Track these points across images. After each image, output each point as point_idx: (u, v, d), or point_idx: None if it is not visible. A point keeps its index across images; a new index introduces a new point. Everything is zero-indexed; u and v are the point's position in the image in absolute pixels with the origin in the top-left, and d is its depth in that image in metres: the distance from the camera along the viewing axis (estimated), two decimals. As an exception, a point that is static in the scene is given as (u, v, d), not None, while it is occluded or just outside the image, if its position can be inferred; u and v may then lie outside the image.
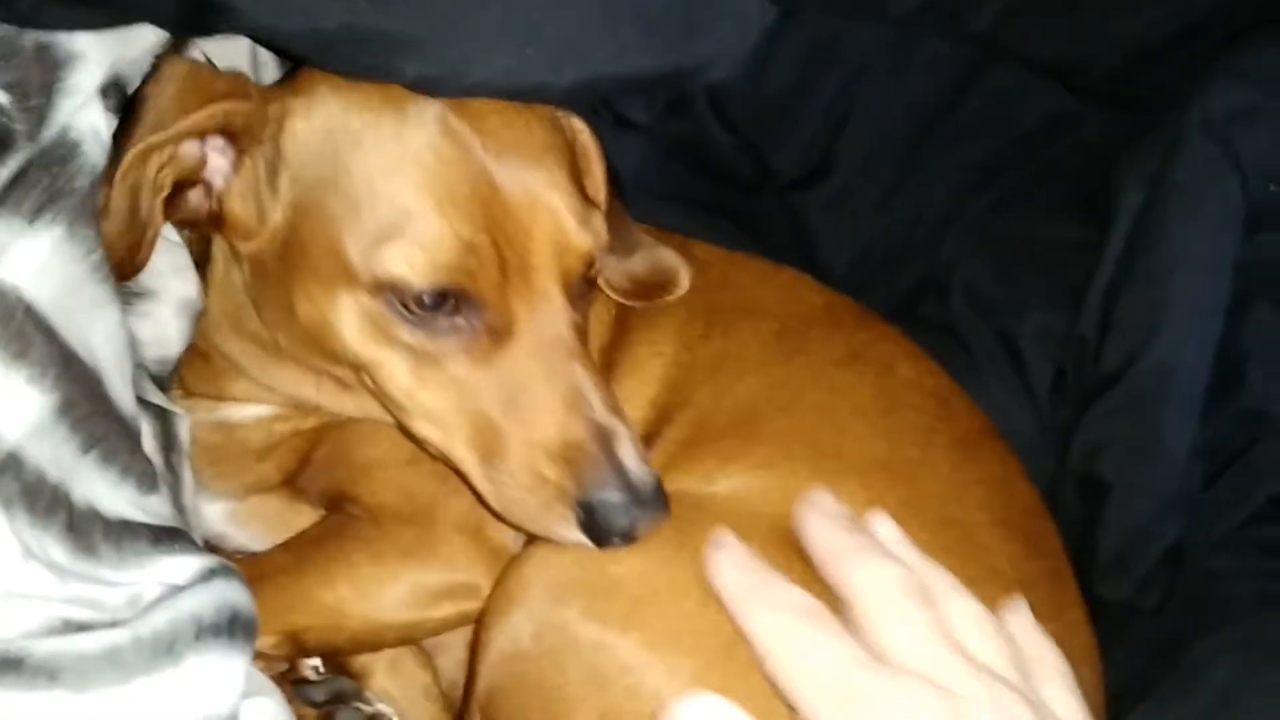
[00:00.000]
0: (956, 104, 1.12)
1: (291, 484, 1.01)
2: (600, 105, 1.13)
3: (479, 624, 0.89)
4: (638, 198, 1.09)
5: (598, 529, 0.82)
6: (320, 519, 1.01)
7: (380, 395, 0.89)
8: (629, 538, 0.82)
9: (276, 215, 0.86)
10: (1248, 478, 0.97)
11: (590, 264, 0.87)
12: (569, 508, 0.83)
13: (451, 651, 1.02)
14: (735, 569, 0.80)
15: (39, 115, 0.76)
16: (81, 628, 0.72)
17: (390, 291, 0.83)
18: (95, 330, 0.79)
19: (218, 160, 0.87)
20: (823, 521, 0.82)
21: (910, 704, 0.71)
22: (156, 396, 0.95)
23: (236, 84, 0.85)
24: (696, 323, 1.02)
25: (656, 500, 0.82)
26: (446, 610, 0.94)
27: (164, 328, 0.97)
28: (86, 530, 0.74)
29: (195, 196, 0.88)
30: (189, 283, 0.96)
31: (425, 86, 0.86)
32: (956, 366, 1.03)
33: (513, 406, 0.84)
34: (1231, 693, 0.83)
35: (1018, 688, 0.74)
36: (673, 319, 1.02)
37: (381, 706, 0.96)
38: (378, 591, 0.93)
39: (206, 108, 0.82)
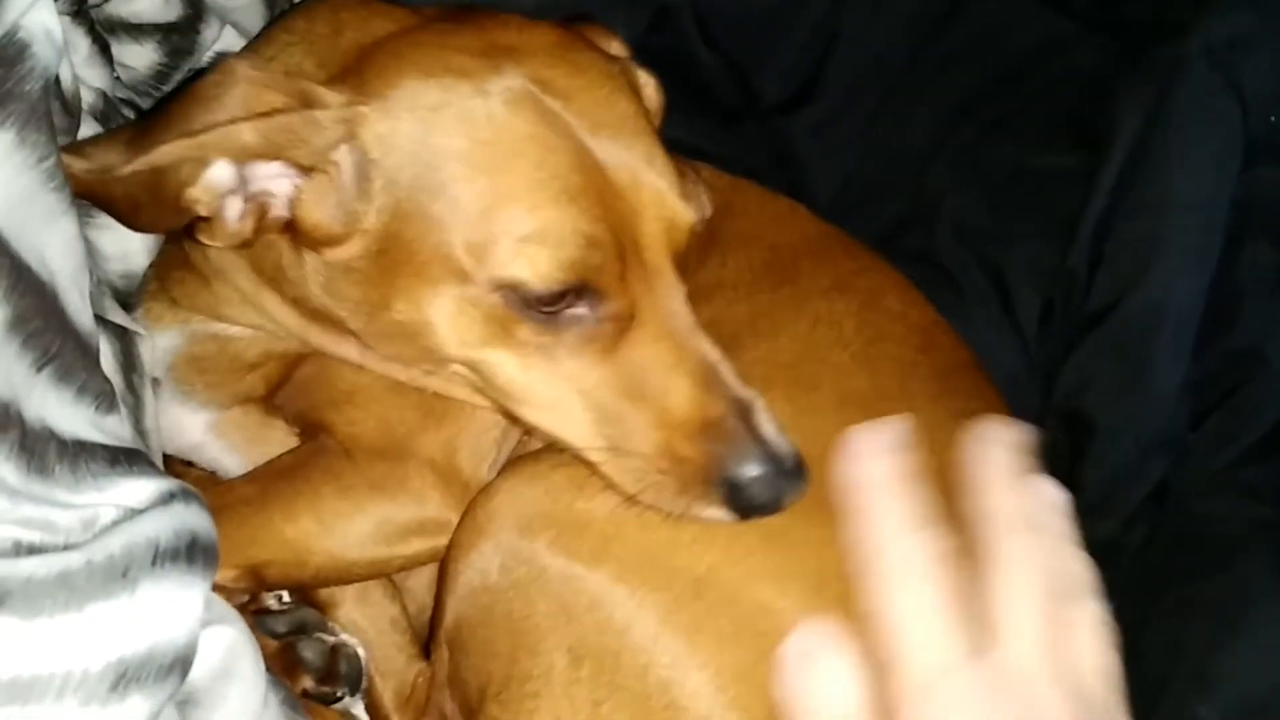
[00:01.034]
0: (946, 27, 1.09)
1: (270, 399, 0.98)
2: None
3: (446, 556, 0.87)
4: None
5: (744, 503, 0.79)
6: (292, 449, 0.98)
7: (487, 387, 0.86)
8: (774, 509, 0.80)
9: (370, 220, 0.81)
10: (1236, 418, 0.95)
11: (696, 233, 0.85)
12: (713, 485, 0.80)
13: (422, 575, 0.99)
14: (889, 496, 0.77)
15: (-14, 12, 0.72)
16: (33, 550, 0.69)
17: (509, 290, 0.79)
18: (49, 242, 0.75)
19: (275, 177, 0.81)
20: (998, 478, 0.79)
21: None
22: (118, 315, 0.92)
23: (295, 96, 0.78)
24: (698, 249, 0.99)
25: (800, 469, 0.80)
26: (415, 546, 0.92)
27: (127, 240, 0.94)
28: (40, 450, 0.71)
29: (232, 217, 0.82)
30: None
31: (389, -8, 0.82)
32: (942, 298, 1.00)
33: (642, 391, 0.82)
34: (1206, 668, 0.82)
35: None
36: None
37: (345, 637, 0.94)
38: (343, 526, 0.91)
39: (241, 126, 0.76)
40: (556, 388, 0.83)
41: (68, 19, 0.89)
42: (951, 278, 1.06)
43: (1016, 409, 0.97)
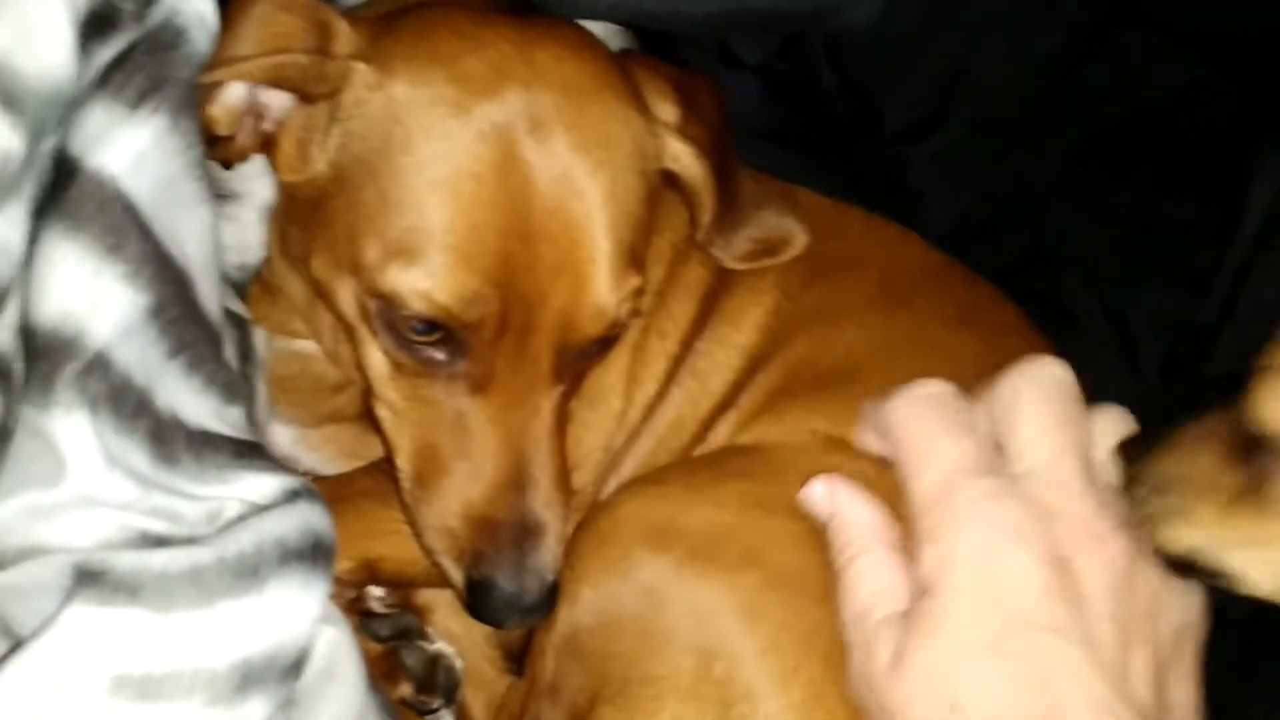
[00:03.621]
0: (1082, 66, 1.05)
1: (368, 417, 0.98)
2: (709, 40, 1.07)
3: (565, 564, 0.85)
4: (737, 136, 1.03)
5: (474, 603, 0.82)
6: None
7: (359, 367, 0.86)
8: (498, 625, 0.84)
9: (320, 167, 0.81)
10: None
11: (600, 339, 0.83)
12: (461, 569, 0.82)
13: None
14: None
15: (147, -4, 0.72)
16: (159, 541, 0.69)
17: (383, 302, 0.79)
18: (188, 230, 0.75)
19: (277, 97, 0.82)
20: None
21: (1000, 521, 0.71)
22: (235, 304, 0.91)
23: (312, 28, 0.79)
24: (800, 271, 0.97)
25: (538, 606, 0.82)
26: None
27: (247, 232, 0.94)
28: (168, 439, 0.71)
29: (244, 136, 0.82)
30: (273, 187, 0.92)
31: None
32: (1061, 341, 0.97)
33: (460, 455, 0.82)
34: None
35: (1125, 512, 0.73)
36: (775, 267, 0.97)
37: (442, 645, 0.93)
38: None
39: (258, 60, 0.77)
40: (406, 402, 0.83)
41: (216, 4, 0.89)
42: (1072, 320, 1.03)
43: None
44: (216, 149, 0.82)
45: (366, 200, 0.78)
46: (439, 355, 0.80)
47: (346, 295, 0.82)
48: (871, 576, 0.76)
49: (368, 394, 0.87)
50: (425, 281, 0.76)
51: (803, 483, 0.82)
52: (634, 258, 0.82)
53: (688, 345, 0.97)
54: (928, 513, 0.74)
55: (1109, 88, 1.05)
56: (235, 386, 0.78)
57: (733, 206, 0.94)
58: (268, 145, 0.83)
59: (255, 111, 0.82)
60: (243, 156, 0.84)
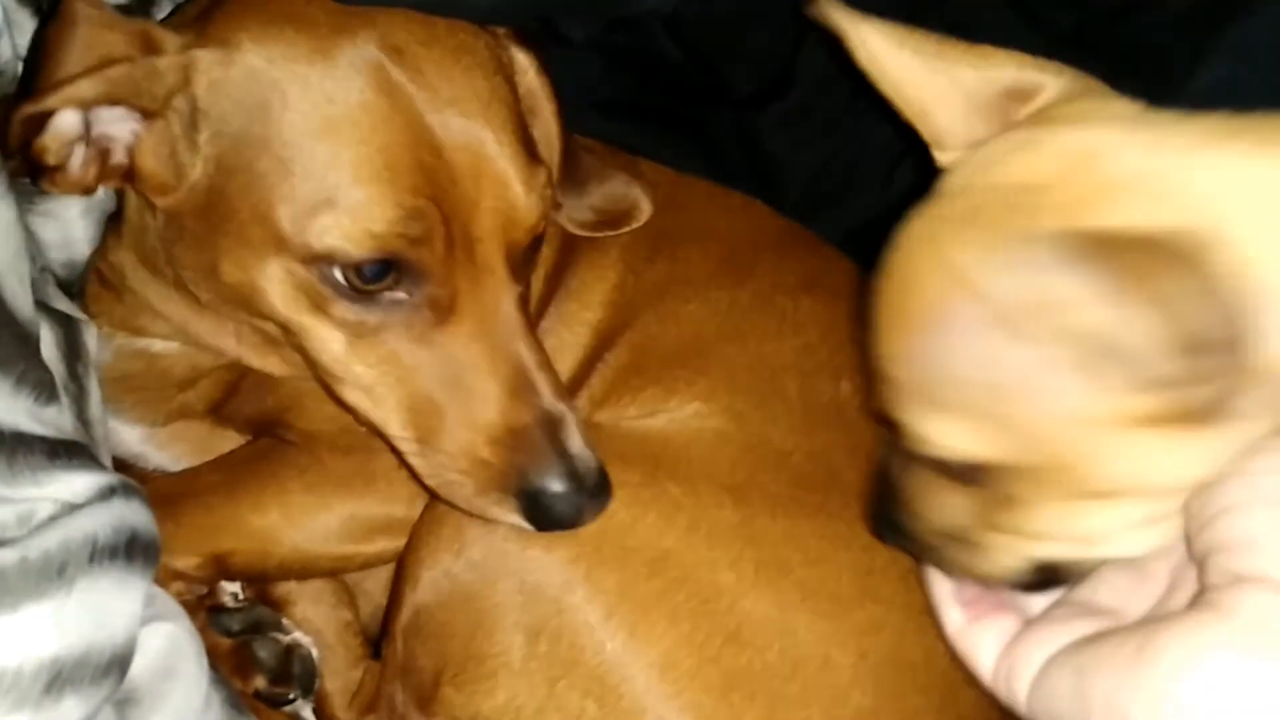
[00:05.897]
0: (921, 17, 1.05)
1: (217, 411, 0.97)
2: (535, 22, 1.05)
3: (405, 551, 0.87)
4: (584, 112, 1.02)
5: (540, 516, 0.79)
6: (251, 440, 0.97)
7: (310, 361, 0.84)
8: (571, 525, 0.80)
9: (196, 171, 0.79)
10: None
11: (537, 233, 0.83)
12: (509, 494, 0.80)
13: (379, 576, 0.98)
14: None
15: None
16: (-34, 547, 0.67)
17: (325, 263, 0.77)
18: (-13, 230, 0.73)
19: (117, 121, 0.79)
20: None
21: None
22: (62, 302, 0.89)
23: (135, 39, 0.77)
24: (642, 245, 0.98)
25: (601, 489, 0.80)
26: (380, 544, 0.91)
27: (70, 229, 0.92)
28: (-25, 443, 0.69)
29: (81, 167, 0.80)
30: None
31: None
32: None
33: (454, 387, 0.80)
34: None
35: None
36: (618, 241, 0.98)
37: (298, 635, 0.92)
38: (309, 520, 0.90)
39: (88, 79, 0.75)
40: (376, 371, 0.81)
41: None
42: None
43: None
44: (46, 180, 0.80)
45: (264, 171, 0.76)
46: (399, 295, 0.79)
47: (275, 282, 0.79)
48: None
49: (328, 387, 0.84)
50: (359, 220, 0.75)
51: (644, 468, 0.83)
52: (533, 150, 0.83)
53: (534, 324, 0.97)
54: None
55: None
56: (50, 385, 0.76)
57: (575, 168, 0.94)
58: (128, 177, 0.81)
59: (99, 145, 0.79)
60: (84, 189, 0.81)
